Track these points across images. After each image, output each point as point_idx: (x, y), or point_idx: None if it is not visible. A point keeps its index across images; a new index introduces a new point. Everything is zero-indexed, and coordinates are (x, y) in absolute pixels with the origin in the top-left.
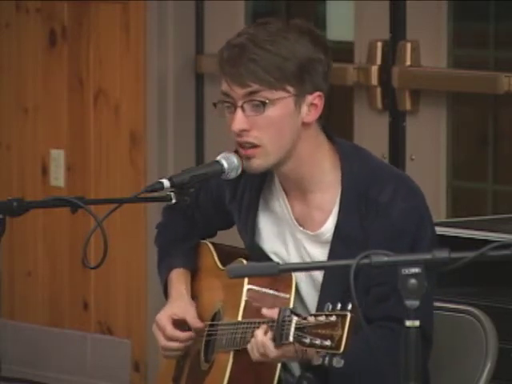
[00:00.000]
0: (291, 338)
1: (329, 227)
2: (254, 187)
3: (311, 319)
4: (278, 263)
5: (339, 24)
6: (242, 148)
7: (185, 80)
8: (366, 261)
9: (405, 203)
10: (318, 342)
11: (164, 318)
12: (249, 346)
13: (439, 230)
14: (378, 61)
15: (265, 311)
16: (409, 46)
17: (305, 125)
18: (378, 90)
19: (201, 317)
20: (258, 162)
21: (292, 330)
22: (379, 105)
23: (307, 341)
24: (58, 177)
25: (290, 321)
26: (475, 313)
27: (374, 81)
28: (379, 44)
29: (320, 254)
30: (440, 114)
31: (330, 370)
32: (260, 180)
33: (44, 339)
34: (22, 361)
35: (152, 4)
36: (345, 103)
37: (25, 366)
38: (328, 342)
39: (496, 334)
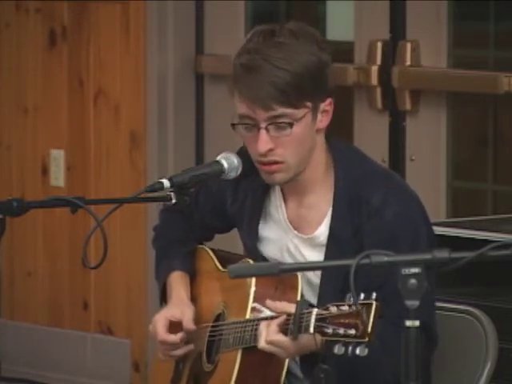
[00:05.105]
0: (311, 330)
1: (323, 230)
2: (257, 194)
3: (333, 309)
4: (279, 263)
5: (339, 24)
6: (263, 164)
7: (185, 80)
8: (365, 261)
9: (398, 207)
10: (341, 331)
11: (160, 319)
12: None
13: (439, 230)
14: (378, 61)
15: (278, 304)
16: (409, 46)
17: (318, 131)
18: (378, 90)
19: (201, 319)
20: (281, 176)
21: (312, 320)
22: (379, 105)
23: (329, 331)
24: (57, 177)
25: (310, 312)
26: (475, 313)
27: (374, 81)
28: (379, 44)
29: (316, 257)
30: (440, 114)
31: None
32: (263, 186)
33: (44, 339)
34: (22, 361)
35: (152, 4)
36: (345, 103)
37: (25, 366)
38: (353, 331)
39: (496, 334)
